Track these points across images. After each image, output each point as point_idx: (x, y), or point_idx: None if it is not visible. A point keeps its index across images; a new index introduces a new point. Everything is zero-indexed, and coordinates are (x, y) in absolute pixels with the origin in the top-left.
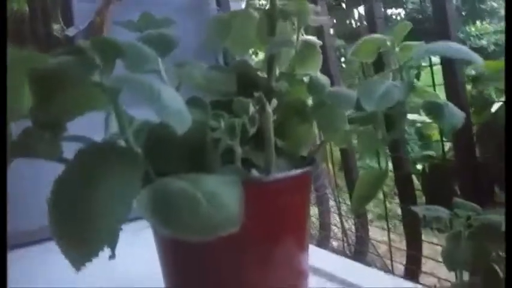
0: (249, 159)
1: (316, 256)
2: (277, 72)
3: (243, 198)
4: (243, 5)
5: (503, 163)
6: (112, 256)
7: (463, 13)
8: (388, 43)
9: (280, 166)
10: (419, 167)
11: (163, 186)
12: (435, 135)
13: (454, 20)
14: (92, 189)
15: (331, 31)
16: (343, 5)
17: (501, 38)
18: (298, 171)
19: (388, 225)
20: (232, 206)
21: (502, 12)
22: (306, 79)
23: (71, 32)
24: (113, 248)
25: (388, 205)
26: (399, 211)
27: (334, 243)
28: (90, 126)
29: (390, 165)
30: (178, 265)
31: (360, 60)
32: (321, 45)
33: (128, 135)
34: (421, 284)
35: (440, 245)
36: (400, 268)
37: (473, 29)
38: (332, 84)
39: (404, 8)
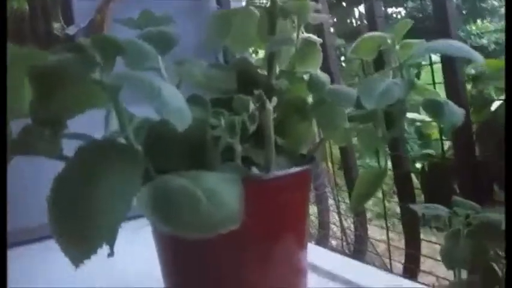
0: (249, 157)
1: (315, 254)
2: (278, 70)
3: (243, 196)
4: (244, 3)
5: (503, 162)
6: (111, 254)
7: (464, 12)
8: (389, 41)
9: (280, 164)
10: (418, 165)
11: (163, 184)
12: (435, 134)
13: (455, 18)
14: (92, 186)
15: (332, 30)
16: (344, 4)
17: (501, 36)
18: (298, 169)
19: (387, 224)
20: (232, 203)
21: (503, 10)
22: (306, 77)
23: (71, 30)
24: (111, 245)
25: (387, 204)
26: (398, 210)
27: (333, 242)
28: (90, 124)
29: (389, 164)
30: (177, 263)
31: (360, 57)
32: (321, 44)
33: (128, 133)
34: (419, 282)
35: (439, 244)
36: (398, 267)
37: (473, 28)
38: (332, 83)
39: (404, 7)
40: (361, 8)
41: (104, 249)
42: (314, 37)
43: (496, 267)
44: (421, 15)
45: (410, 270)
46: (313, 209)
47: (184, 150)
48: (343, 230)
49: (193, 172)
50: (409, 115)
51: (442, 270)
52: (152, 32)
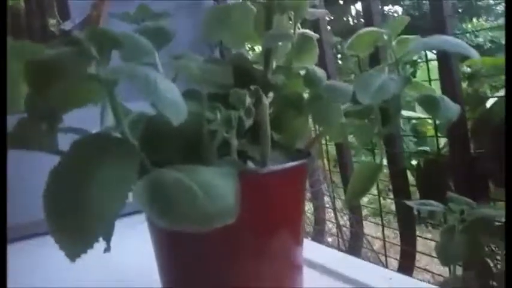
0: (245, 152)
1: (310, 249)
2: (274, 65)
3: (239, 190)
4: None
5: (498, 158)
6: (107, 249)
7: (460, 10)
8: (385, 36)
9: (275, 159)
10: (414, 162)
11: (159, 177)
12: (430, 131)
13: (451, 16)
14: (87, 180)
15: (328, 28)
16: (341, 2)
17: (497, 35)
18: (294, 163)
19: (382, 221)
20: (228, 197)
21: (498, 9)
22: (302, 72)
23: (67, 26)
24: (108, 240)
25: (382, 201)
26: (394, 207)
27: (329, 239)
28: (86, 119)
29: (385, 160)
30: (173, 258)
31: (356, 53)
32: (317, 41)
33: (123, 127)
34: (414, 278)
35: (435, 241)
36: (394, 264)
37: (469, 26)
38: (328, 79)
39: (401, 5)
40: (358, 5)
41: (101, 244)
42: (311, 32)
43: (491, 263)
44: (417, 14)
45: (406, 267)
46: (309, 206)
47: (180, 144)
48: (338, 226)
49: (189, 166)
50: (405, 113)
51: (437, 267)
52: (148, 26)
